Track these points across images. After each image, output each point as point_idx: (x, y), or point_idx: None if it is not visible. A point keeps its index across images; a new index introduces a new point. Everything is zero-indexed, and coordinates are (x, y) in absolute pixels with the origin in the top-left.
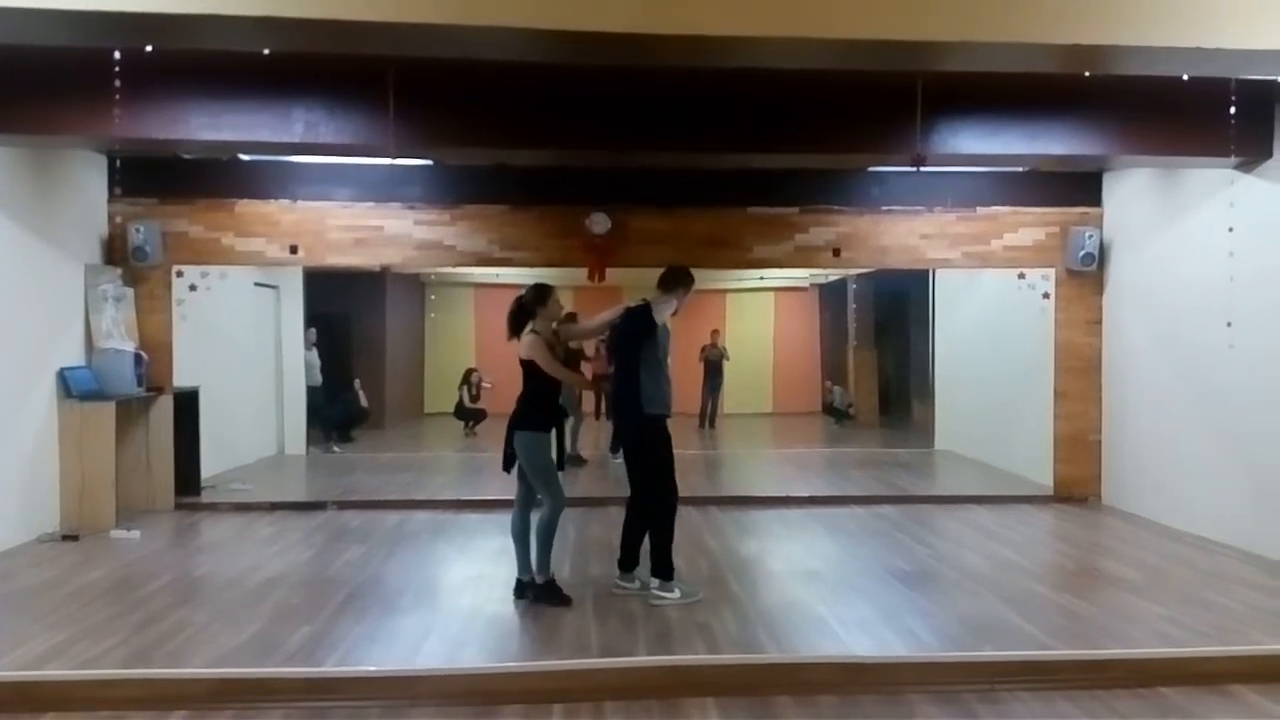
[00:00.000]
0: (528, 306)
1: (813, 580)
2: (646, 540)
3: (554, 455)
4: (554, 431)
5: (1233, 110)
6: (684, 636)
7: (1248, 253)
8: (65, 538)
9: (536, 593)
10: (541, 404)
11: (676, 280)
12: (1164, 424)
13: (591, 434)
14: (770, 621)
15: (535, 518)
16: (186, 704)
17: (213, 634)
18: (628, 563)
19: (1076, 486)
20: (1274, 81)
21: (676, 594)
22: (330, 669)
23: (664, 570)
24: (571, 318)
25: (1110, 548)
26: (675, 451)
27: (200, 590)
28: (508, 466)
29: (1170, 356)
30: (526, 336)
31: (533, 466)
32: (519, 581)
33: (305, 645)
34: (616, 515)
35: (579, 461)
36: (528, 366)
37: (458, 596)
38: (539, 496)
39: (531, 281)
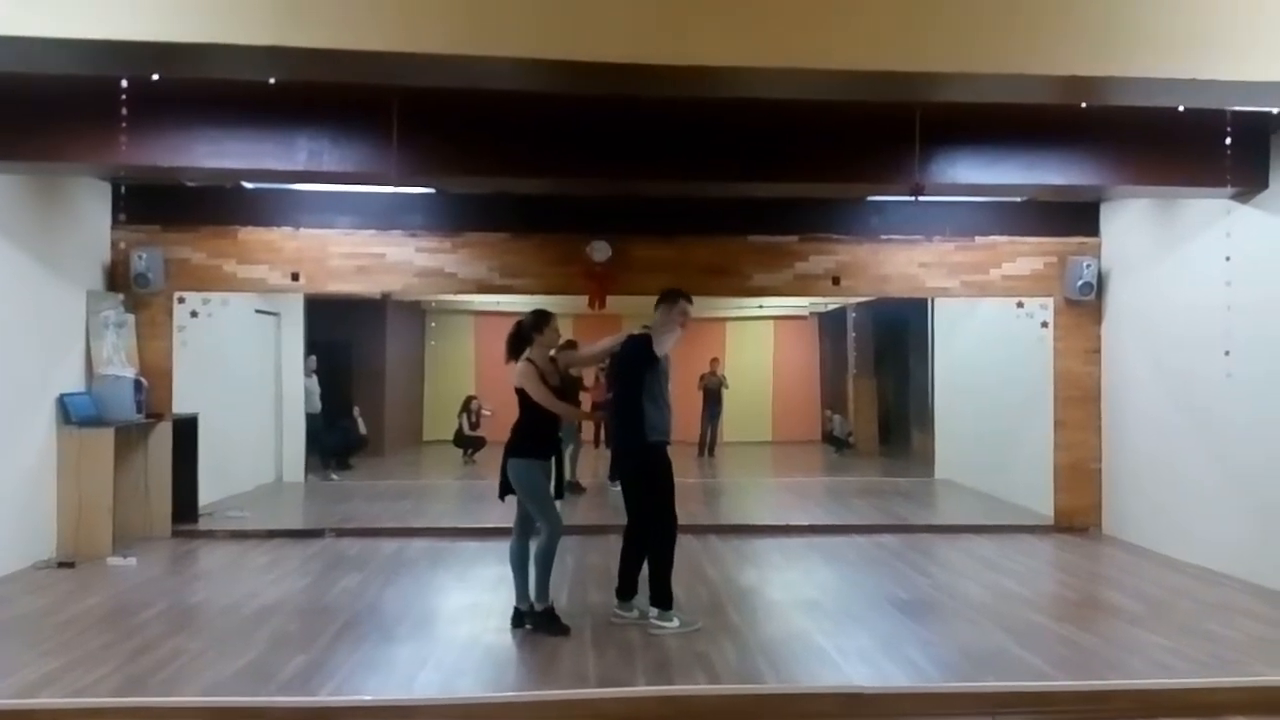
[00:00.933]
0: (526, 332)
1: (813, 610)
2: (645, 568)
3: (552, 483)
4: (553, 459)
5: (1228, 141)
6: (683, 666)
7: (1245, 282)
8: (61, 564)
9: (535, 620)
10: (537, 431)
11: (675, 296)
12: (1164, 453)
13: (590, 462)
14: (770, 651)
15: (534, 545)
16: None
17: (207, 662)
18: (626, 591)
19: (1077, 516)
20: (1269, 113)
21: (675, 623)
22: (325, 698)
23: (663, 599)
24: (571, 345)
25: (1111, 578)
26: (676, 479)
27: (195, 618)
28: (504, 494)
29: (1169, 385)
30: (520, 364)
31: (528, 493)
32: (516, 610)
33: (300, 674)
34: (615, 543)
35: (578, 489)
36: (521, 394)
37: (455, 625)
38: (537, 524)
39: (532, 308)
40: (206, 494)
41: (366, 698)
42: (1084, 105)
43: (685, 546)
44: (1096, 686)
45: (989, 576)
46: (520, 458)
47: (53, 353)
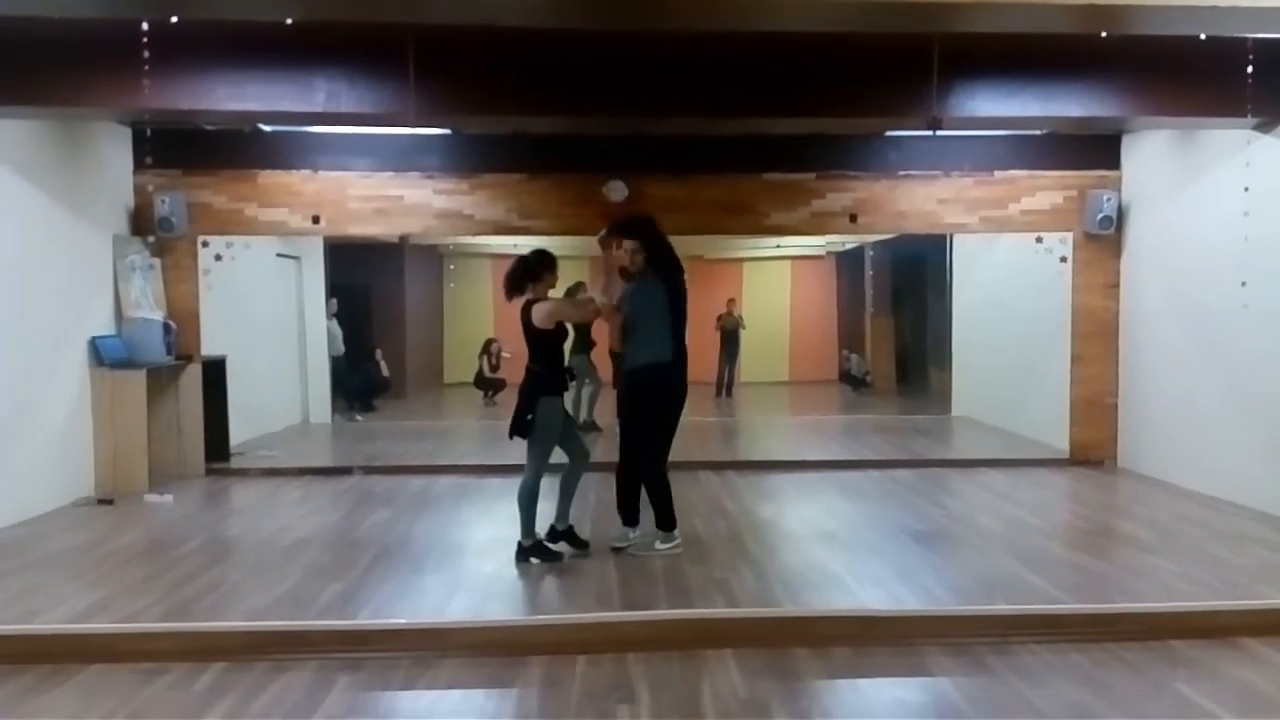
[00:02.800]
0: (534, 269)
1: (829, 540)
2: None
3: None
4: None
5: (1250, 70)
6: (704, 592)
7: (1264, 213)
8: (100, 502)
9: (525, 554)
10: (556, 368)
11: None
12: (1180, 386)
13: (607, 402)
14: (787, 579)
15: (555, 475)
16: (225, 655)
17: (246, 591)
18: (626, 519)
19: (1092, 449)
20: None
21: (665, 546)
22: (363, 621)
23: (661, 522)
24: (579, 286)
25: (1124, 508)
26: (694, 419)
27: (233, 550)
28: (518, 433)
29: (1186, 319)
30: (541, 306)
31: (546, 430)
32: (553, 529)
33: (336, 601)
34: None
35: (594, 429)
36: (533, 335)
37: (483, 555)
38: (566, 452)
39: (533, 249)
40: (236, 434)
41: (401, 620)
42: (1104, 35)
43: (704, 482)
44: (1105, 609)
45: (1002, 507)
46: (551, 394)
47: (82, 296)
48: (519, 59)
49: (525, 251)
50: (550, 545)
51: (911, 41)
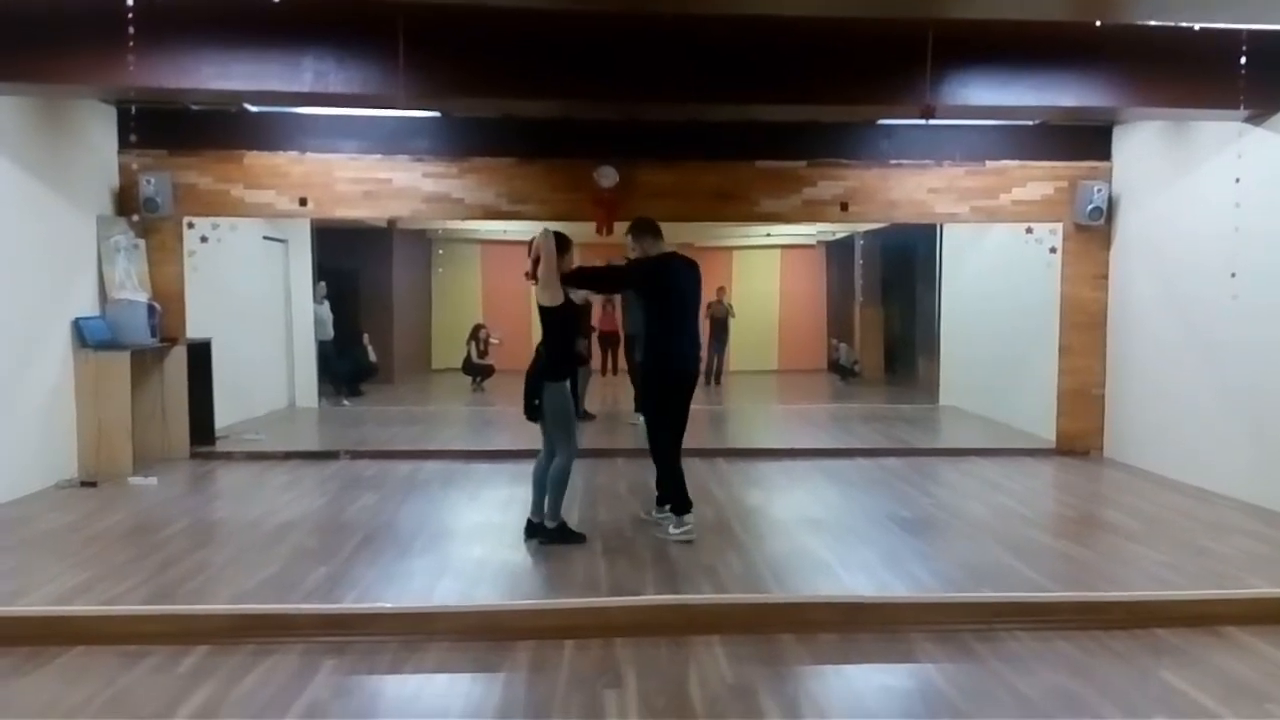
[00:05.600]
0: (564, 246)
1: (816, 527)
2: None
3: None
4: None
5: (1243, 62)
6: (691, 578)
7: (1254, 204)
8: (84, 484)
9: (548, 535)
10: (567, 353)
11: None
12: (1167, 377)
13: (599, 390)
14: (775, 565)
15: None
16: (210, 639)
17: (232, 574)
18: (661, 500)
19: (1079, 440)
20: None
21: (677, 531)
22: (348, 605)
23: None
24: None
25: (1110, 498)
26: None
27: (218, 533)
28: (533, 417)
29: (1175, 310)
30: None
31: (558, 416)
32: (530, 522)
33: (322, 585)
34: (624, 466)
35: (587, 416)
36: (546, 315)
37: (470, 540)
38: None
39: (545, 229)
40: (222, 418)
41: (388, 604)
42: (1098, 24)
43: (693, 469)
44: (1092, 598)
45: (990, 496)
46: (556, 380)
47: (65, 276)
48: (510, 41)
49: (512, 237)
50: (573, 530)
51: (905, 28)
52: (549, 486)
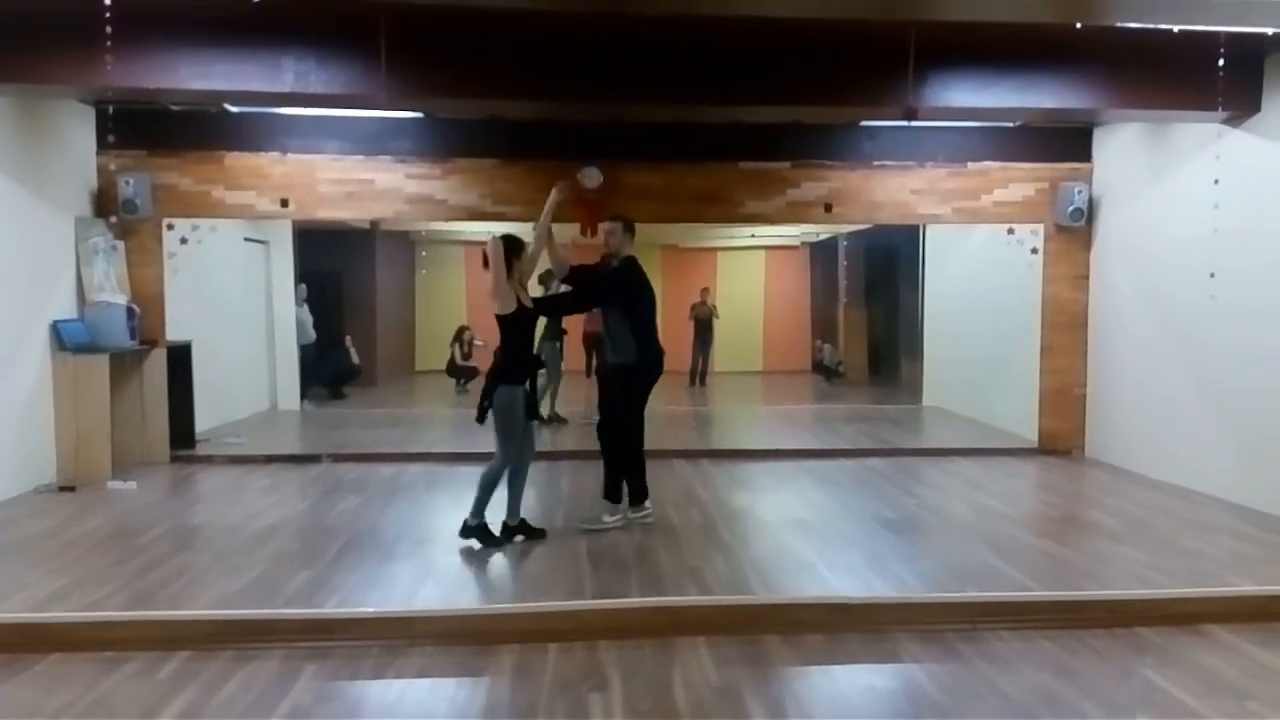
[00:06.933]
0: (518, 247)
1: (801, 528)
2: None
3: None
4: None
5: (1221, 64)
6: (676, 580)
7: (1232, 206)
8: (62, 488)
9: (470, 533)
10: (522, 357)
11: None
12: (1148, 377)
13: (582, 393)
14: (760, 566)
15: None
16: (189, 644)
17: (212, 579)
18: (633, 496)
19: (1060, 439)
20: (1263, 35)
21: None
22: (330, 610)
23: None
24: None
25: (1092, 497)
26: (667, 408)
27: (199, 538)
28: (482, 418)
29: (1155, 311)
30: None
31: (507, 419)
32: (505, 525)
33: (304, 589)
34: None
35: (559, 421)
36: (503, 321)
37: (454, 544)
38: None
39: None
40: (202, 421)
41: (370, 609)
42: (1078, 26)
43: (677, 470)
44: (1074, 597)
45: (973, 496)
46: (510, 384)
47: (43, 279)
48: (493, 41)
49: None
50: (495, 534)
51: (888, 30)
52: (479, 483)
